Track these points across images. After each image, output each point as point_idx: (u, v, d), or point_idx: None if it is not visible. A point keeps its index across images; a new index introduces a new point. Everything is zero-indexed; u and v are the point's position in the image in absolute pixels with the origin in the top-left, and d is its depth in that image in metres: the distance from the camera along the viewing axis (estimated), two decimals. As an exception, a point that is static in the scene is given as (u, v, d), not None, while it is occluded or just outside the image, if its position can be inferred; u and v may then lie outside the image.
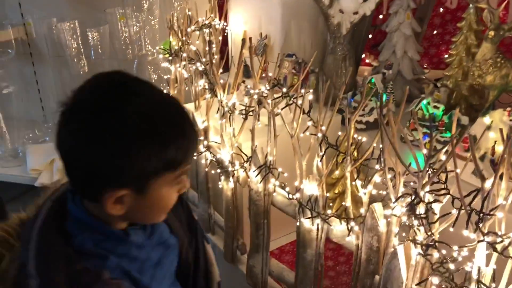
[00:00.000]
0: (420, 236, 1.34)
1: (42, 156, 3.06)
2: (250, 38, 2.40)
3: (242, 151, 2.07)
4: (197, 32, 2.84)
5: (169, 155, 0.86)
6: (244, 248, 2.37)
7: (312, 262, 1.93)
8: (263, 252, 2.16)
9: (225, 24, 3.12)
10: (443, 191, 1.29)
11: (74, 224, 0.92)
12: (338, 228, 1.80)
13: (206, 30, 2.86)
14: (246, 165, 2.07)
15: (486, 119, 2.16)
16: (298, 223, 1.89)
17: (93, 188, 0.88)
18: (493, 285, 1.24)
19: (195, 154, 0.86)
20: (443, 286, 1.32)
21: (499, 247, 1.19)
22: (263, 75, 1.98)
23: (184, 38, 2.47)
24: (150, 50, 3.04)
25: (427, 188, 1.32)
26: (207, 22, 2.93)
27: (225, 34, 3.40)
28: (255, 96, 1.88)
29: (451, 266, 1.28)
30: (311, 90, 1.77)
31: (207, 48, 2.38)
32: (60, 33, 2.99)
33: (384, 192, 1.56)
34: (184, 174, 0.92)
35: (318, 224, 1.83)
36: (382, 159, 1.49)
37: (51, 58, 3.24)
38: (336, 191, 2.40)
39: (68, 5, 3.18)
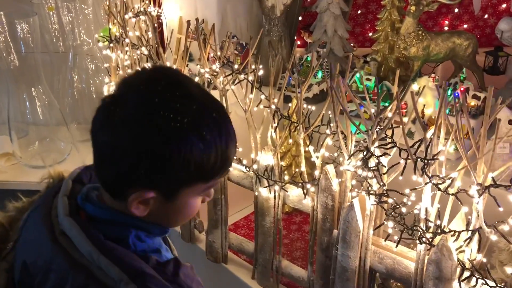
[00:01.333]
0: (374, 187, 1.50)
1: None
2: (188, 21, 2.46)
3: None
4: (133, 20, 2.84)
5: (207, 167, 0.83)
6: (201, 226, 2.44)
7: (271, 229, 2.05)
8: (222, 226, 2.25)
9: (159, 10, 3.13)
10: (390, 145, 1.45)
11: (113, 228, 0.87)
12: (293, 193, 1.93)
13: (142, 17, 2.86)
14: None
15: (415, 86, 2.39)
16: (256, 193, 2.00)
17: (123, 187, 0.84)
18: (438, 221, 1.42)
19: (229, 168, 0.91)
20: (396, 229, 1.49)
21: (442, 187, 1.37)
22: (208, 57, 2.05)
23: (123, 24, 2.47)
24: (85, 40, 2.98)
25: (376, 144, 1.48)
26: (142, 9, 2.93)
27: (160, 20, 3.40)
28: (207, 75, 1.95)
29: (403, 210, 1.45)
30: (261, 66, 1.87)
31: (149, 33, 2.40)
32: (-16, 27, 2.84)
33: (335, 154, 1.71)
34: (214, 186, 0.91)
35: (275, 192, 1.95)
36: (333, 124, 1.63)
37: (-23, 53, 3.08)
38: (284, 164, 2.53)
39: (-10, -4, 3.03)
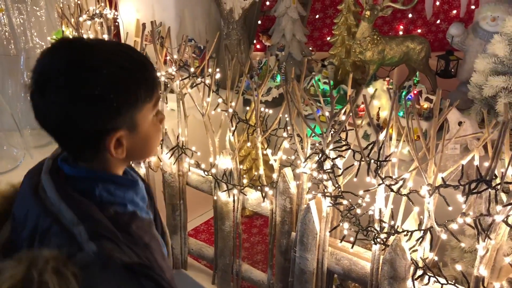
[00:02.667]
0: (329, 189, 1.52)
1: None
2: (144, 24, 2.42)
3: (152, 135, 2.10)
4: (89, 22, 2.78)
5: (142, 88, 0.94)
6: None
7: (230, 233, 2.04)
8: (181, 232, 2.22)
9: (116, 13, 3.08)
10: (345, 147, 1.47)
11: (83, 183, 0.96)
12: (252, 197, 1.93)
13: (98, 20, 2.81)
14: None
15: (370, 89, 2.44)
16: (215, 197, 1.98)
17: (94, 142, 0.93)
18: (392, 222, 1.45)
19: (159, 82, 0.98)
20: (352, 230, 1.51)
21: (395, 188, 1.40)
22: (164, 60, 2.03)
23: (77, 27, 2.41)
24: (38, 43, 2.89)
25: (331, 146, 1.50)
26: (98, 11, 2.87)
27: (116, 23, 3.34)
28: (163, 78, 1.93)
29: (358, 211, 1.48)
30: (218, 69, 1.86)
31: (105, 36, 2.35)
32: None
33: (293, 157, 1.72)
34: (158, 100, 1.01)
35: (234, 196, 1.94)
36: (289, 127, 1.64)
37: None
38: (245, 168, 2.53)
39: None
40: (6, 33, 3.00)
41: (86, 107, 0.89)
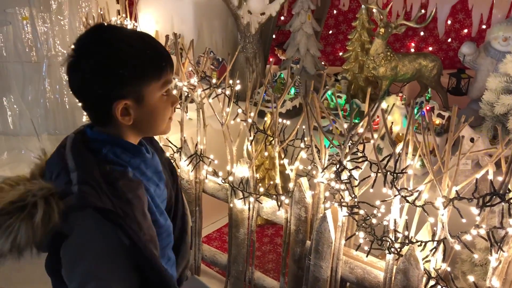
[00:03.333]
0: (346, 198, 1.57)
1: None
2: (167, 36, 2.50)
3: (171, 142, 2.17)
4: (110, 32, 2.86)
5: (150, 66, 1.10)
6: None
7: (244, 240, 2.09)
8: (195, 238, 2.27)
9: (136, 24, 3.17)
10: (362, 158, 1.53)
11: (96, 144, 1.15)
12: (267, 205, 1.98)
13: (119, 30, 2.89)
14: (176, 155, 2.17)
15: (383, 104, 2.49)
16: (231, 205, 2.04)
17: (104, 107, 1.10)
18: (406, 232, 1.50)
19: (171, 67, 1.16)
20: (367, 239, 1.56)
21: (410, 200, 1.45)
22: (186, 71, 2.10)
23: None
24: (60, 51, 2.98)
25: (348, 157, 1.55)
26: (119, 22, 2.96)
27: (135, 34, 3.43)
28: (185, 88, 1.99)
29: (373, 221, 1.52)
30: (238, 81, 1.93)
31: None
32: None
33: (309, 167, 1.77)
34: (168, 83, 1.15)
35: (250, 203, 1.99)
36: (308, 137, 1.69)
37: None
38: (260, 175, 2.58)
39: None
40: (29, 41, 3.10)
41: (98, 74, 1.07)
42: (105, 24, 1.19)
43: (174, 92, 2.09)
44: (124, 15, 3.01)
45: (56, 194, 1.04)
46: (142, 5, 3.25)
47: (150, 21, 3.25)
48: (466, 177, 2.06)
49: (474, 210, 1.33)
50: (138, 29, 3.29)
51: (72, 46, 1.12)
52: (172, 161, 2.19)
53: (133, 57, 1.09)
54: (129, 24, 3.02)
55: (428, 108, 2.36)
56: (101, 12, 2.82)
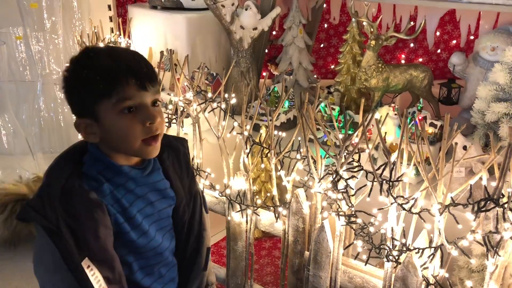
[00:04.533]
0: (343, 208, 1.58)
1: None
2: (162, 52, 2.53)
3: (167, 158, 2.17)
4: (104, 50, 2.89)
5: (96, 82, 1.10)
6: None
7: (243, 253, 2.09)
8: (194, 252, 2.27)
9: (129, 41, 3.20)
10: (358, 168, 1.55)
11: (87, 157, 1.19)
12: (265, 217, 1.99)
13: (113, 47, 2.92)
14: (172, 170, 2.17)
15: (376, 115, 2.53)
16: (229, 218, 2.04)
17: (77, 125, 1.16)
18: (404, 240, 1.51)
19: (129, 83, 1.11)
20: (365, 248, 1.57)
21: (406, 207, 1.47)
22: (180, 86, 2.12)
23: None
24: (54, 69, 3.00)
25: (345, 167, 1.57)
26: (113, 39, 3.00)
27: (129, 51, 3.46)
28: (180, 103, 2.01)
29: (371, 230, 1.54)
30: (233, 95, 1.96)
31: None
32: None
33: (305, 178, 1.79)
34: (124, 100, 1.11)
35: (247, 216, 2.00)
36: (303, 149, 1.71)
37: None
38: (256, 187, 2.60)
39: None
40: (23, 60, 3.12)
41: (65, 94, 1.15)
42: (94, 46, 1.25)
43: (170, 107, 2.11)
44: (118, 33, 3.05)
45: (26, 199, 1.17)
46: (136, 22, 3.29)
47: (144, 38, 3.28)
48: (460, 185, 2.09)
49: (470, 216, 1.35)
50: (132, 46, 3.33)
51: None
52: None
53: (82, 75, 1.11)
54: (122, 41, 3.05)
55: (420, 117, 2.40)
56: (95, 31, 2.85)
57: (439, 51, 3.78)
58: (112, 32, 3.33)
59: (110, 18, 3.44)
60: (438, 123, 2.39)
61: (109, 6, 3.43)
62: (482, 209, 1.31)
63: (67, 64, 1.15)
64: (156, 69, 2.25)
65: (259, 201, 1.97)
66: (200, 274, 1.40)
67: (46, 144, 3.15)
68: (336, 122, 2.75)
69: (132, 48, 3.43)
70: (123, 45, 3.03)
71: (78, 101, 1.13)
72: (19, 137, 2.96)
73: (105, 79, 1.10)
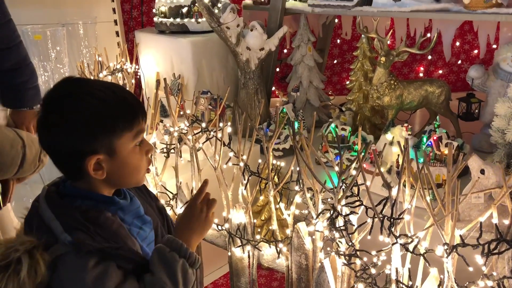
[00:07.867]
0: (343, 247, 1.45)
1: None
2: (165, 79, 2.46)
3: (167, 189, 2.10)
4: (109, 77, 2.86)
5: (121, 119, 1.08)
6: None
7: (247, 290, 1.98)
8: (196, 287, 2.17)
9: (136, 67, 3.16)
10: (357, 203, 1.42)
11: (67, 199, 1.12)
12: (267, 252, 1.87)
13: (119, 74, 2.89)
14: (172, 202, 2.09)
15: (388, 136, 2.38)
16: (229, 253, 1.94)
17: (77, 163, 1.07)
18: (411, 283, 1.37)
19: (143, 116, 1.13)
20: (368, 291, 1.43)
21: (410, 247, 1.33)
22: (181, 113, 2.04)
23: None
24: (61, 99, 2.99)
25: (343, 202, 1.45)
26: (118, 66, 2.96)
27: (138, 77, 3.43)
28: (175, 134, 1.93)
29: (373, 271, 1.40)
30: (229, 123, 1.86)
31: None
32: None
33: (306, 211, 1.67)
34: (140, 132, 1.13)
35: (248, 251, 1.89)
36: (300, 180, 1.60)
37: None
38: (263, 218, 2.48)
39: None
40: (32, 89, 3.12)
41: (67, 130, 1.05)
42: (73, 77, 1.16)
43: (166, 137, 2.03)
44: (123, 60, 3.01)
45: (40, 246, 1.04)
46: (142, 47, 3.26)
47: (151, 63, 3.24)
48: (479, 212, 1.93)
49: (479, 259, 1.20)
50: (140, 73, 3.30)
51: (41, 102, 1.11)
52: (169, 208, 2.12)
53: (101, 110, 1.07)
54: (129, 68, 3.01)
55: (435, 137, 2.24)
56: (100, 59, 2.82)
57: (459, 62, 3.60)
58: (120, 57, 3.31)
59: (118, 44, 3.43)
60: (455, 143, 2.22)
61: (117, 33, 3.42)
62: (494, 252, 1.16)
63: (57, 98, 1.06)
64: (155, 96, 2.20)
65: (261, 235, 1.85)
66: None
67: (56, 172, 3.13)
68: (351, 144, 2.62)
69: (140, 73, 3.40)
70: (130, 71, 3.00)
71: (90, 136, 1.06)
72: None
73: (127, 112, 1.10)
